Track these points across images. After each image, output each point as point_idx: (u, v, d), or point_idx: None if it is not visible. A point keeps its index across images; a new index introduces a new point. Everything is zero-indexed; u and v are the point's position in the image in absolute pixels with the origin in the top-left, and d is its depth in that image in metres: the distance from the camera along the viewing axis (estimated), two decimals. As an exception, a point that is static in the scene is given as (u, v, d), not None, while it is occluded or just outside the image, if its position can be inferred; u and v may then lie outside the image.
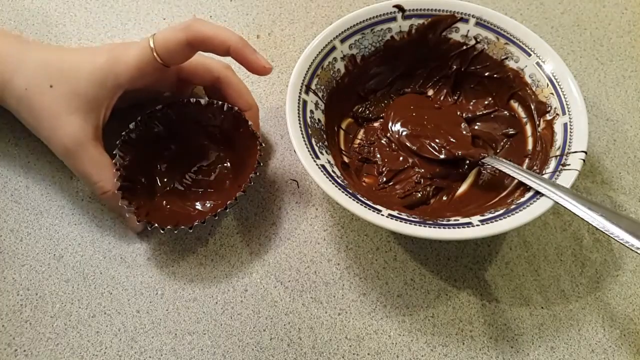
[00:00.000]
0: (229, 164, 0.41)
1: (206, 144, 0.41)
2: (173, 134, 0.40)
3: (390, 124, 0.42)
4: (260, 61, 0.36)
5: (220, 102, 0.38)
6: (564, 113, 0.37)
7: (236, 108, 0.38)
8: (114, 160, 0.37)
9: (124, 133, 0.37)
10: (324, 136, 0.38)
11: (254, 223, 0.40)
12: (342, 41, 0.40)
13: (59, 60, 0.36)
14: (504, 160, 0.38)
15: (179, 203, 0.39)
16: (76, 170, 0.37)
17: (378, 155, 0.41)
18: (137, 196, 0.37)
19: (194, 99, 0.39)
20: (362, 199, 0.33)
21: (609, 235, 0.30)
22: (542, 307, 0.37)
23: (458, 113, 0.43)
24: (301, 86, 0.37)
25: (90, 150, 0.36)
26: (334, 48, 0.40)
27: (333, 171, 0.35)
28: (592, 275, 0.38)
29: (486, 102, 0.43)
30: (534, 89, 0.39)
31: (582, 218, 0.31)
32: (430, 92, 0.45)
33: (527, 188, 0.34)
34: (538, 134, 0.39)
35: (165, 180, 0.40)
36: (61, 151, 0.36)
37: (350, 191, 0.33)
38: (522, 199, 0.33)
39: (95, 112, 0.36)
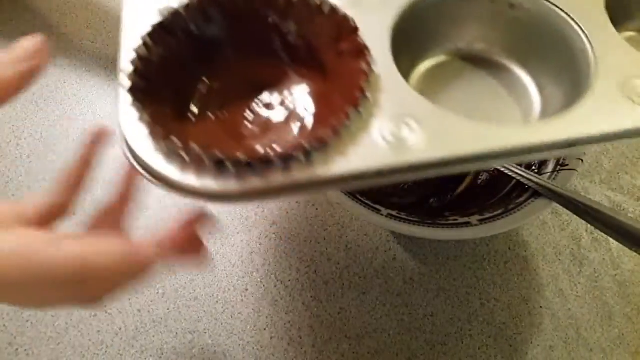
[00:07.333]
0: (310, 97, 0.26)
1: (281, 60, 0.27)
2: (233, 35, 0.26)
3: None
4: None
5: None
6: (562, 113, 0.37)
7: (342, 12, 0.24)
8: (135, 48, 0.23)
9: (165, 13, 0.24)
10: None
11: (254, 223, 0.40)
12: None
13: None
14: (503, 160, 0.38)
15: (223, 139, 0.25)
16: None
17: None
18: (154, 107, 0.23)
19: None
20: (362, 198, 0.33)
21: (608, 235, 0.30)
22: (540, 307, 0.37)
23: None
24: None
25: None
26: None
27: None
28: (590, 274, 0.38)
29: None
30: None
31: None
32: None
33: (526, 188, 0.34)
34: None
35: (208, 103, 0.26)
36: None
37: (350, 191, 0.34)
38: (521, 199, 0.34)
39: None
